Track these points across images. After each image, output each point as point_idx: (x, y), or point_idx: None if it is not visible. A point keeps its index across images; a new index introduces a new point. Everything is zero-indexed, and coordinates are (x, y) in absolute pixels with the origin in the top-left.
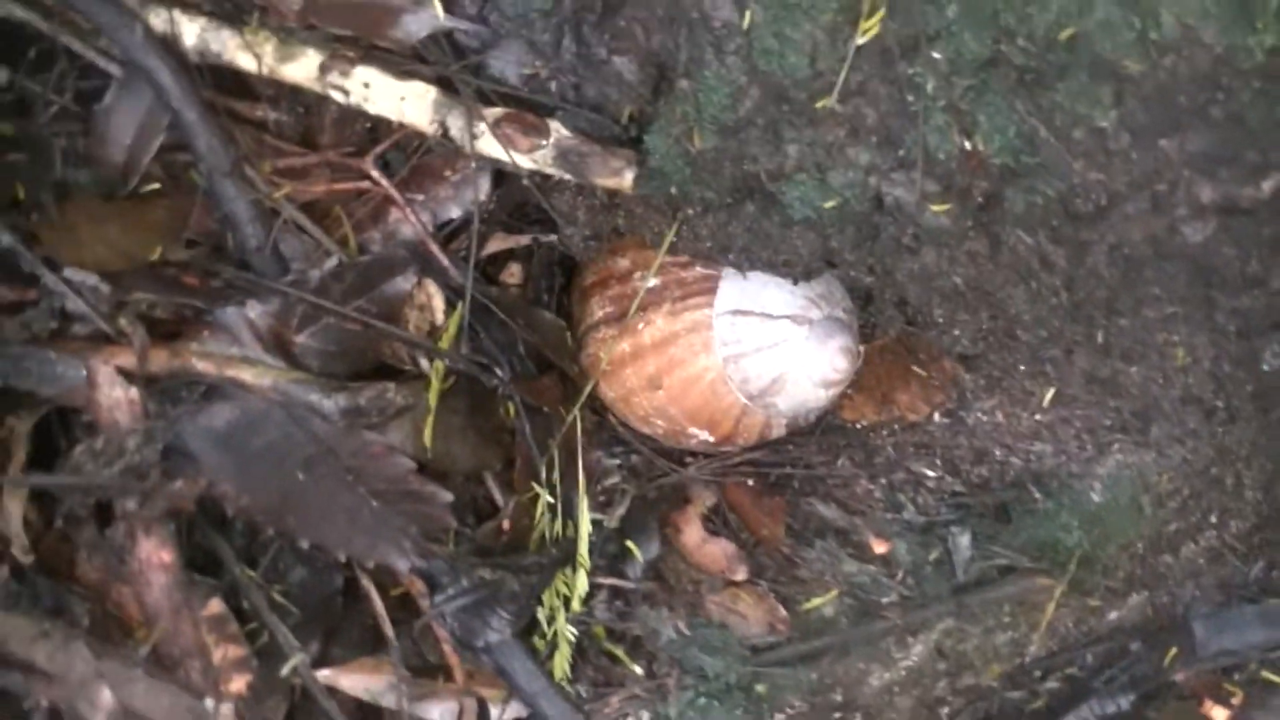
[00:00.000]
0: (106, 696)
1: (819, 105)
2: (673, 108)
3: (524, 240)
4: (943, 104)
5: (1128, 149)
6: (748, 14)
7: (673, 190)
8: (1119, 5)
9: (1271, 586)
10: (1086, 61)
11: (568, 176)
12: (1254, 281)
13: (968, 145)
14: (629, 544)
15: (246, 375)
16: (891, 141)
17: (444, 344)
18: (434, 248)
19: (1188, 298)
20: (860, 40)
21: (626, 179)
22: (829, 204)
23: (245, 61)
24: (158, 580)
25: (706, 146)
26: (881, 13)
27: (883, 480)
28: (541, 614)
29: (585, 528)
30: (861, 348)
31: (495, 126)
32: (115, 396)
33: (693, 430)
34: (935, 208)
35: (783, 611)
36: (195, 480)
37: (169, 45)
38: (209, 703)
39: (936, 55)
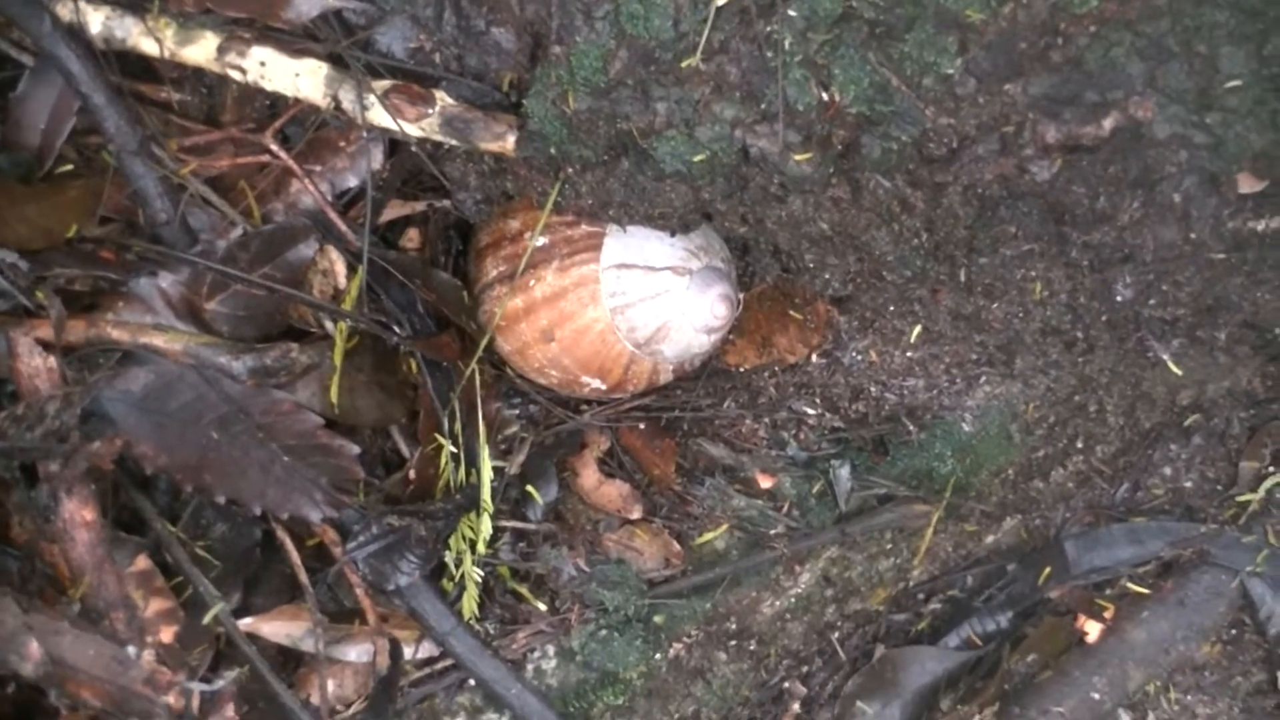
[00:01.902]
0: (35, 648)
1: (684, 64)
2: (548, 73)
3: (419, 206)
4: (800, 59)
5: (974, 94)
6: None
7: (553, 151)
8: None
9: (1137, 506)
10: (932, 13)
11: (454, 142)
12: (1103, 217)
13: (825, 97)
14: (529, 488)
15: (160, 341)
16: (754, 96)
17: (347, 305)
18: (333, 215)
19: (1042, 235)
20: (720, 2)
21: (509, 142)
22: (698, 158)
23: (148, 46)
24: (82, 537)
25: (581, 108)
26: None
27: (766, 419)
28: (449, 557)
29: (487, 474)
30: (741, 295)
31: (384, 98)
32: (35, 365)
33: (585, 379)
34: (798, 157)
35: (677, 546)
36: (113, 440)
37: (76, 34)
38: (132, 650)
39: (792, 13)
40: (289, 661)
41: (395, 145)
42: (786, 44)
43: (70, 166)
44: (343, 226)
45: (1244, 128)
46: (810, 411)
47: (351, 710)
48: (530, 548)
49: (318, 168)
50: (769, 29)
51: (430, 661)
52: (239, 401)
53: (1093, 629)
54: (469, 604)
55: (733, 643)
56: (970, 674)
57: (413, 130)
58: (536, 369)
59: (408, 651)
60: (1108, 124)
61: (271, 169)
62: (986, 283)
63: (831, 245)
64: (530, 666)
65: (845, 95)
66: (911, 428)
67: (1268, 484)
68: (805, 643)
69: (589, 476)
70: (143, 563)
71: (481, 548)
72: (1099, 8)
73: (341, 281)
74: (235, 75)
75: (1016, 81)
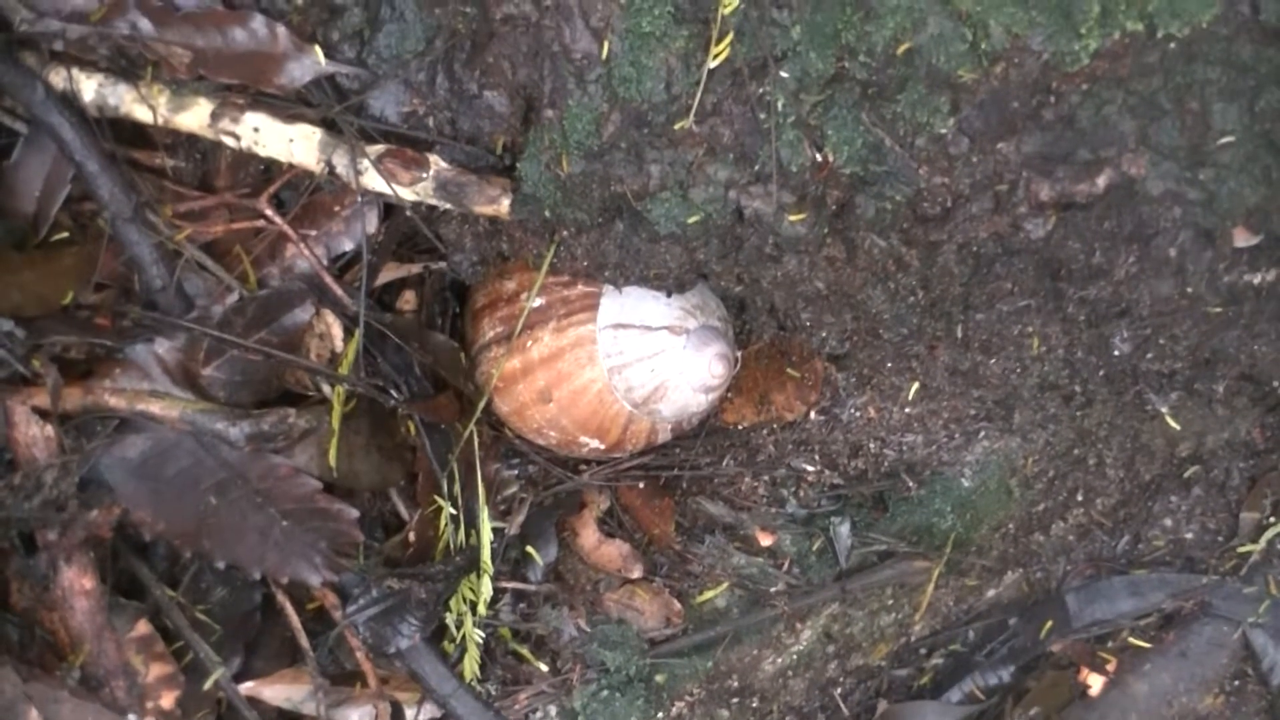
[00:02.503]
0: (34, 716)
1: (677, 126)
2: (541, 136)
3: (415, 269)
4: (793, 119)
5: (968, 153)
6: (605, 45)
7: (547, 213)
8: (950, 19)
9: (1138, 558)
10: (923, 73)
11: (448, 206)
12: (1099, 272)
13: (819, 157)
14: (529, 549)
15: (156, 408)
16: (747, 157)
17: (343, 369)
18: (329, 279)
19: (1038, 290)
20: (712, 64)
21: (503, 205)
22: (692, 219)
23: (142, 113)
24: (80, 605)
25: (575, 171)
26: (730, 37)
27: (765, 477)
28: (450, 619)
29: (487, 535)
30: (738, 353)
31: (378, 162)
32: (32, 434)
33: (584, 439)
34: (792, 217)
35: (677, 605)
36: (111, 508)
37: (69, 102)
38: (132, 718)
39: (785, 74)
40: None
41: (390, 208)
42: (779, 105)
43: (65, 234)
44: (338, 290)
45: (1237, 183)
46: (809, 468)
47: None
48: (531, 608)
49: (313, 232)
50: (761, 90)
51: None
52: (237, 467)
53: (1095, 682)
54: (470, 665)
55: (735, 700)
56: None
57: (407, 194)
58: (535, 429)
59: (409, 714)
60: (1101, 181)
61: (266, 234)
62: (983, 339)
63: (827, 304)
64: None
65: (839, 155)
66: (911, 483)
67: (1268, 534)
68: (808, 699)
69: (588, 536)
70: (143, 628)
71: (482, 609)
72: (1090, 66)
73: (338, 345)
74: (229, 141)
75: (1010, 140)
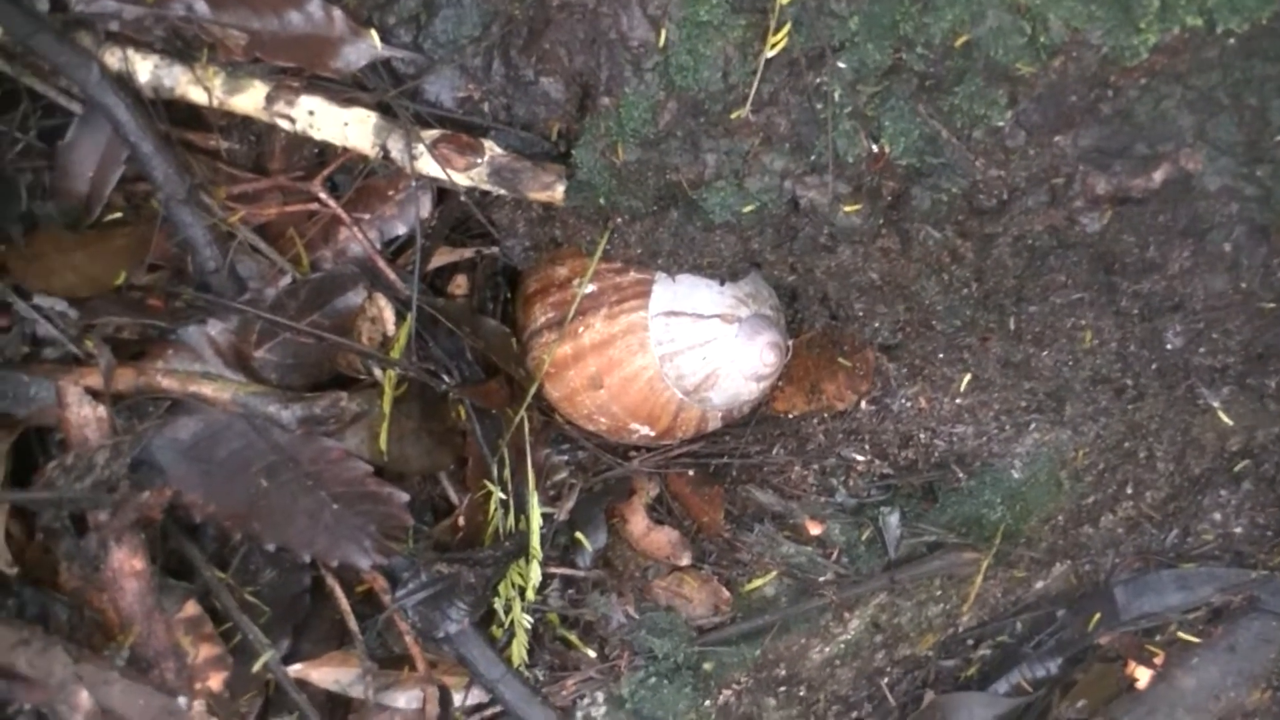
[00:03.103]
0: (85, 698)
1: (733, 116)
2: (597, 123)
3: (467, 253)
4: (849, 110)
5: (1024, 146)
6: (663, 33)
7: (601, 201)
8: (1009, 12)
9: (1186, 552)
10: (981, 66)
11: (502, 192)
12: (1152, 266)
13: (874, 148)
14: (578, 535)
15: (208, 390)
16: (803, 147)
17: (395, 353)
18: (382, 263)
19: (1091, 284)
20: (769, 54)
21: (557, 192)
22: (747, 208)
23: (197, 95)
24: (130, 586)
25: (630, 159)
26: (788, 27)
27: (815, 466)
28: (498, 604)
29: (536, 521)
30: (789, 342)
31: (433, 147)
32: (84, 414)
33: (634, 425)
34: (847, 208)
35: (725, 593)
36: (162, 490)
37: (124, 83)
38: (182, 700)
39: (842, 65)
40: (338, 708)
41: (443, 193)
42: (836, 96)
43: (118, 214)
44: (391, 274)
45: None
46: (859, 458)
47: None
48: (579, 594)
49: (366, 216)
50: (818, 81)
51: (479, 708)
52: (287, 450)
53: (1142, 675)
54: (518, 651)
55: (782, 689)
56: None
57: (461, 179)
58: (585, 416)
59: (457, 698)
60: (1158, 176)
61: (320, 217)
62: (1036, 331)
63: (880, 294)
64: (580, 714)
65: (895, 147)
66: (961, 474)
67: None
68: (854, 688)
69: (637, 523)
70: (191, 609)
71: (530, 594)
72: (1149, 60)
73: (390, 329)
74: (284, 124)
75: (1066, 133)
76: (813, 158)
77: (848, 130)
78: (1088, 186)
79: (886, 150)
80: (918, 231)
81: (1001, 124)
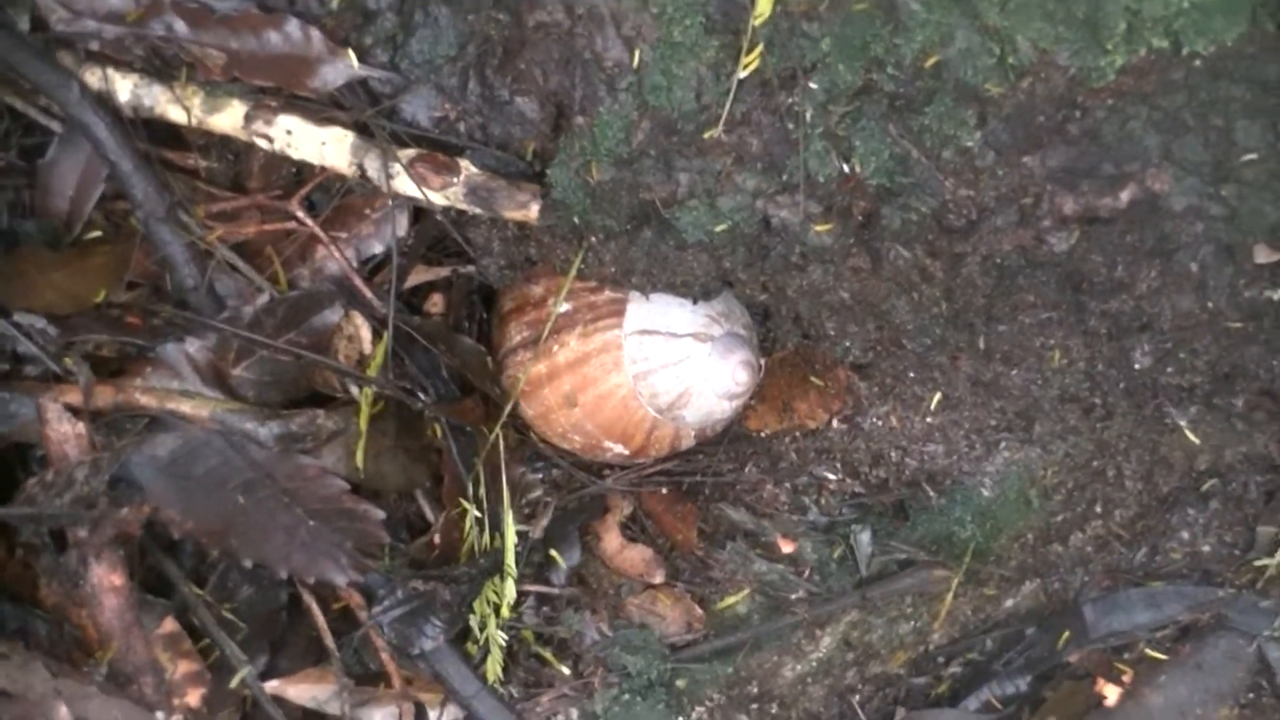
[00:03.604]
0: (64, 713)
1: (706, 136)
2: (572, 143)
3: (444, 272)
4: (821, 130)
5: (993, 166)
6: (637, 54)
7: (575, 220)
8: (978, 33)
9: (1155, 570)
10: (951, 86)
11: (478, 211)
12: (1120, 286)
13: (846, 168)
14: (553, 553)
15: (186, 407)
16: (775, 167)
17: (372, 371)
18: (358, 282)
19: (1060, 303)
20: (742, 74)
21: (532, 211)
22: (720, 227)
23: (176, 114)
24: (109, 602)
25: (604, 178)
26: (760, 48)
27: (787, 484)
28: (473, 621)
29: (511, 539)
30: (762, 361)
31: (409, 166)
32: (64, 431)
33: (608, 444)
34: (818, 227)
35: (699, 610)
36: (140, 507)
37: (104, 102)
38: (160, 715)
39: (813, 86)
40: None
41: (420, 212)
42: (808, 116)
43: (98, 233)
44: (368, 292)
45: (1259, 200)
46: (831, 476)
47: None
48: (554, 612)
49: (343, 234)
50: (790, 101)
51: None
52: (265, 466)
53: (1111, 693)
54: (493, 667)
55: (754, 706)
56: None
57: (437, 198)
58: (559, 434)
59: (432, 715)
60: (1125, 196)
61: (297, 235)
62: (1005, 350)
63: (852, 313)
64: None
65: (865, 167)
66: (931, 493)
67: None
68: (826, 706)
69: (611, 541)
70: (170, 625)
71: (505, 612)
72: (1116, 82)
73: (367, 347)
74: (262, 143)
75: (1035, 154)
76: (784, 177)
77: (819, 150)
78: (1056, 206)
79: (857, 170)
80: (888, 251)
81: (971, 144)
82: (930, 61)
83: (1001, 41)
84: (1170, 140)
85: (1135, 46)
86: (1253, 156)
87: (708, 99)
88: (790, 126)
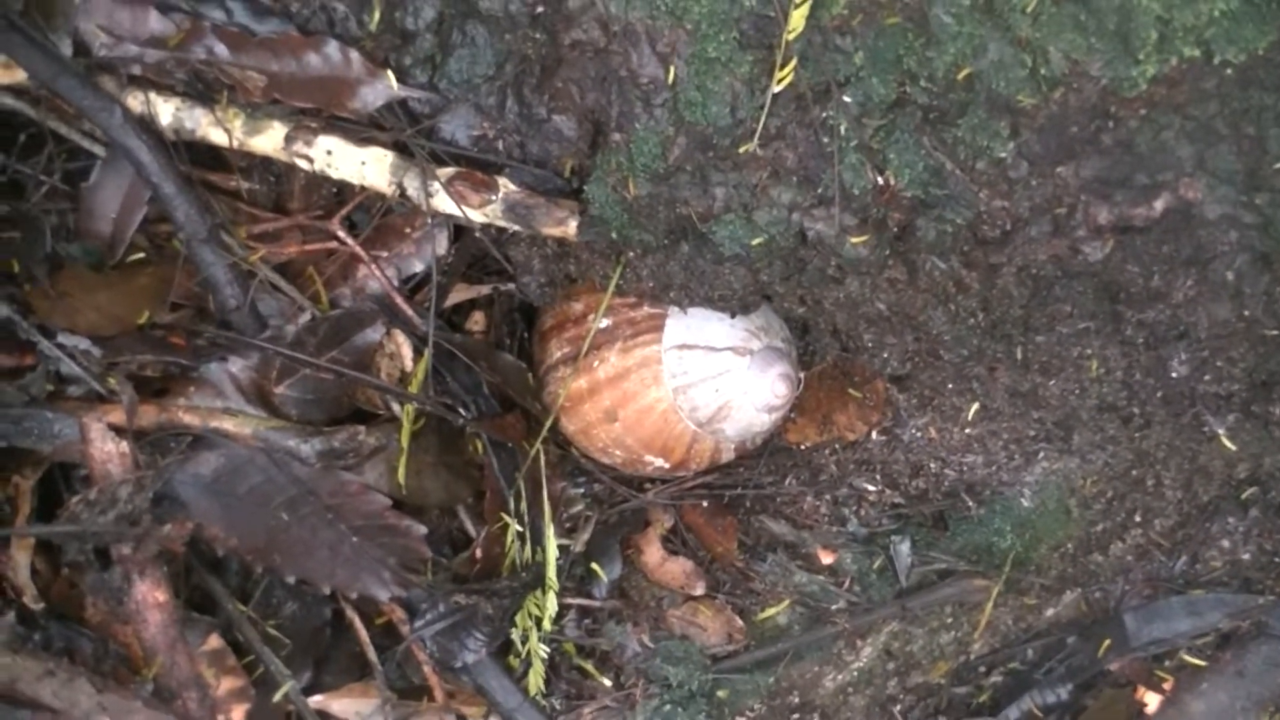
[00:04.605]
0: None
1: (742, 150)
2: (609, 159)
3: (484, 290)
4: (855, 144)
5: (1027, 177)
6: (672, 70)
7: (614, 235)
8: (1010, 44)
9: (1195, 579)
10: (984, 99)
11: (517, 228)
12: (1157, 295)
13: (880, 180)
14: (594, 566)
15: (230, 425)
16: (810, 180)
17: (413, 388)
18: (399, 300)
19: (1097, 313)
20: (776, 89)
21: (571, 227)
22: (756, 241)
23: (217, 136)
24: (154, 618)
25: (641, 193)
26: (794, 63)
27: (827, 496)
28: (515, 634)
29: (553, 553)
30: (801, 374)
31: (448, 185)
32: (107, 450)
33: (648, 458)
34: (854, 239)
35: (739, 622)
36: (184, 523)
37: (146, 125)
38: None
39: (847, 99)
40: None
41: (460, 230)
42: (842, 129)
43: (141, 254)
44: (409, 311)
45: None
46: (870, 488)
47: None
48: (595, 624)
49: (384, 253)
50: (824, 115)
51: None
52: (307, 483)
53: (1152, 700)
54: (535, 680)
55: (795, 716)
56: None
57: (477, 216)
58: (600, 448)
59: None
60: (1159, 205)
61: (339, 255)
62: (1043, 360)
63: (889, 325)
64: None
65: (900, 179)
66: (971, 503)
67: None
68: (867, 716)
69: (652, 554)
70: (214, 642)
71: (547, 625)
72: (1148, 91)
73: (408, 364)
74: (302, 164)
75: (1068, 164)
76: (820, 190)
77: (854, 163)
78: (1090, 216)
79: (892, 182)
80: (924, 262)
81: (1004, 155)
82: (963, 74)
83: (1033, 53)
84: (1203, 149)
85: (1167, 56)
86: None
87: (742, 114)
88: (825, 140)
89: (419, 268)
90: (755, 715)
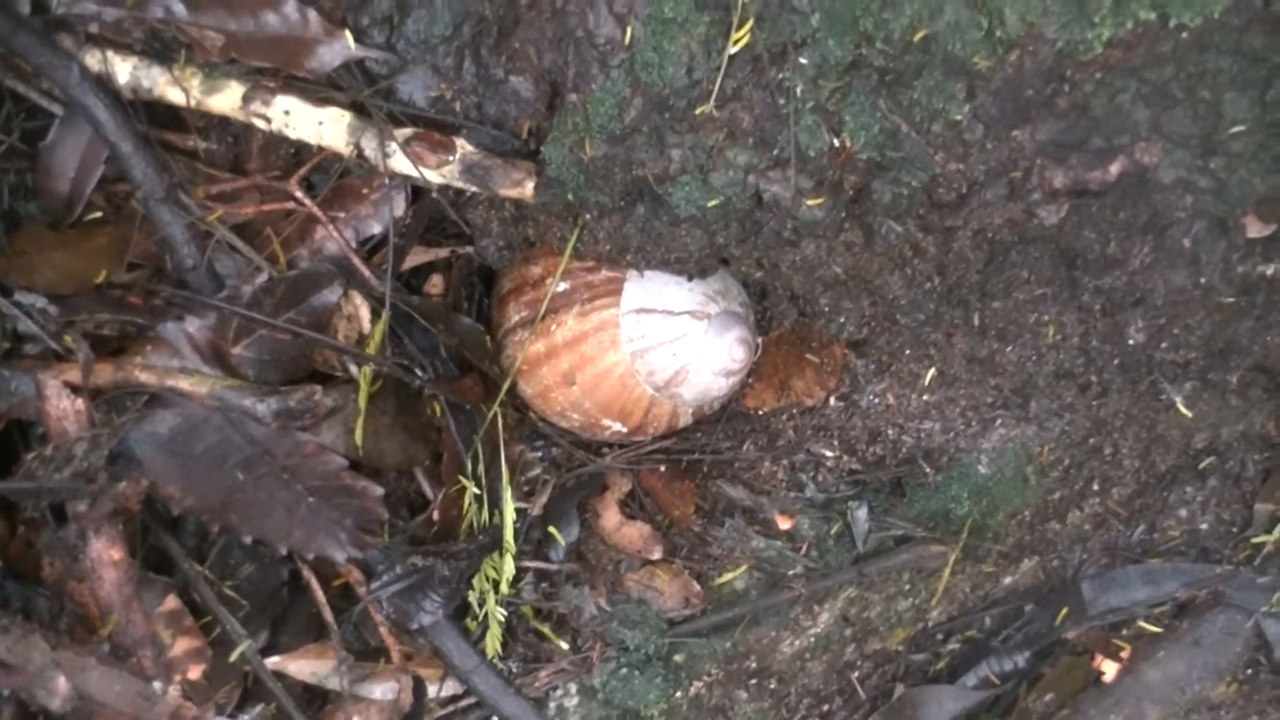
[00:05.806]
0: (62, 684)
1: (698, 111)
2: (565, 120)
3: (443, 253)
4: (811, 105)
5: (982, 140)
6: (628, 31)
7: (570, 197)
8: (966, 7)
9: (1153, 548)
10: (940, 60)
11: (475, 189)
12: (1114, 261)
13: (836, 143)
14: (551, 529)
15: (186, 384)
16: (766, 142)
17: (371, 349)
18: (357, 261)
19: (1053, 279)
20: (732, 50)
21: (527, 189)
22: (712, 203)
23: (175, 95)
24: (109, 575)
25: (597, 154)
26: (750, 24)
27: (785, 461)
28: (473, 597)
29: (510, 516)
30: (759, 339)
31: (406, 146)
32: (63, 408)
33: (606, 422)
34: (810, 202)
35: (696, 586)
36: (139, 481)
37: (104, 84)
38: (158, 685)
39: (803, 61)
40: (314, 699)
41: (418, 192)
42: (798, 91)
43: (99, 214)
44: (366, 272)
45: (1248, 172)
46: (828, 454)
47: None
48: (552, 587)
49: (342, 214)
50: (781, 76)
51: (454, 699)
52: (264, 443)
53: (1109, 669)
54: (492, 643)
55: (753, 681)
56: (988, 713)
57: (434, 177)
58: (558, 412)
59: (431, 689)
60: (1114, 169)
61: (296, 216)
62: (1000, 326)
63: (845, 289)
64: (552, 704)
65: (856, 141)
66: (928, 470)
67: None
68: (825, 682)
69: (610, 518)
70: (172, 602)
71: (504, 587)
72: (1104, 54)
73: (365, 326)
74: (260, 124)
75: (1024, 127)
76: (775, 152)
77: (810, 125)
78: (1045, 180)
79: (848, 144)
80: (880, 225)
81: (960, 118)
82: (919, 36)
83: (990, 15)
84: (1159, 113)
85: (1123, 19)
86: (1240, 128)
87: (699, 75)
88: (781, 102)
89: (377, 229)
90: (712, 679)
